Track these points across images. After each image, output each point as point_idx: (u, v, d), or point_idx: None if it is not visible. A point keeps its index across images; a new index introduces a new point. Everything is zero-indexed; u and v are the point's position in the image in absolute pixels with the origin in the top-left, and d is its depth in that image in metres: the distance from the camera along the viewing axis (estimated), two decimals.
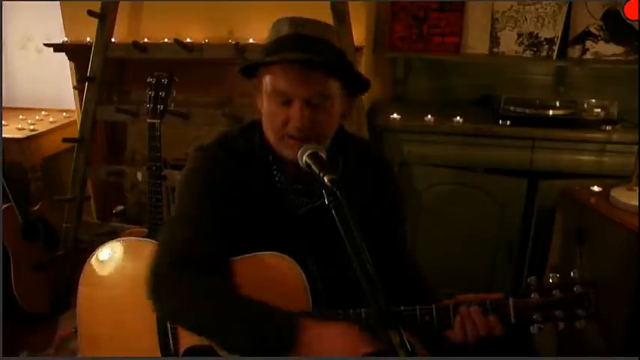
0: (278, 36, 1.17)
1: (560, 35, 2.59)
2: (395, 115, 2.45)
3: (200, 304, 1.11)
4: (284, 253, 1.19)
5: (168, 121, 2.00)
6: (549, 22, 2.60)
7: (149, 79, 1.89)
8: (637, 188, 1.95)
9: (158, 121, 1.88)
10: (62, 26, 2.80)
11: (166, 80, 1.88)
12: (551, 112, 2.40)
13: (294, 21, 1.17)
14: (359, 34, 2.41)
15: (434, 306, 1.12)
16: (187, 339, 1.24)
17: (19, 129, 2.85)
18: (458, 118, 2.40)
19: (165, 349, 1.26)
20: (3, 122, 2.76)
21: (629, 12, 2.10)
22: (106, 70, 2.53)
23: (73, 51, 2.77)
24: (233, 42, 2.41)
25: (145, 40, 2.60)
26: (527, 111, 2.42)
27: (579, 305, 1.10)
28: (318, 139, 1.15)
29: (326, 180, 1.00)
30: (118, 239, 1.40)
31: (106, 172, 2.59)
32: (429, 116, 2.42)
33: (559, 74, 2.73)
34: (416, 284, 1.32)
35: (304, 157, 1.09)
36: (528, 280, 1.13)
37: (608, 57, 2.57)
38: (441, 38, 2.64)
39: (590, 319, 1.11)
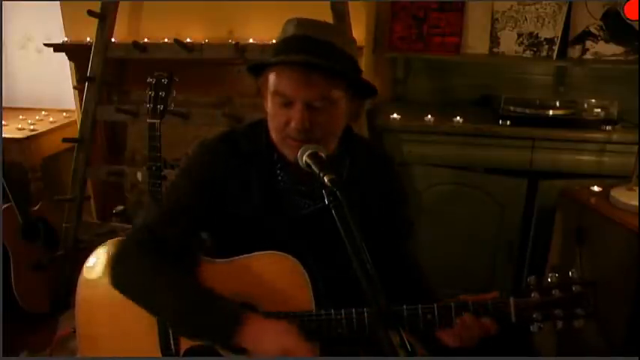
0: (285, 36, 1.17)
1: (560, 35, 2.59)
2: (395, 115, 2.45)
3: (150, 280, 1.17)
4: (286, 253, 1.19)
5: (169, 121, 2.00)
6: (549, 22, 2.60)
7: (149, 79, 1.90)
8: (637, 188, 1.95)
9: (158, 121, 1.88)
10: (62, 26, 2.81)
11: (166, 80, 1.89)
12: (551, 112, 2.40)
13: (301, 22, 1.16)
14: (359, 34, 2.41)
15: (436, 305, 1.13)
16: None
17: (19, 129, 2.86)
18: (458, 118, 2.41)
19: (165, 349, 1.26)
20: (3, 122, 2.76)
21: (629, 12, 2.10)
22: (106, 70, 2.53)
23: (73, 51, 2.77)
24: (233, 42, 2.41)
25: (145, 40, 2.60)
26: (527, 111, 2.42)
27: (578, 305, 1.11)
28: (320, 141, 1.15)
29: (326, 180, 1.01)
30: (118, 239, 1.39)
31: (106, 172, 2.59)
32: (429, 116, 2.42)
33: (559, 74, 2.72)
34: (418, 285, 1.32)
35: (304, 157, 1.10)
36: (528, 279, 1.14)
37: (608, 57, 2.57)
38: (441, 38, 2.64)
39: (588, 319, 1.11)
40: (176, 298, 1.15)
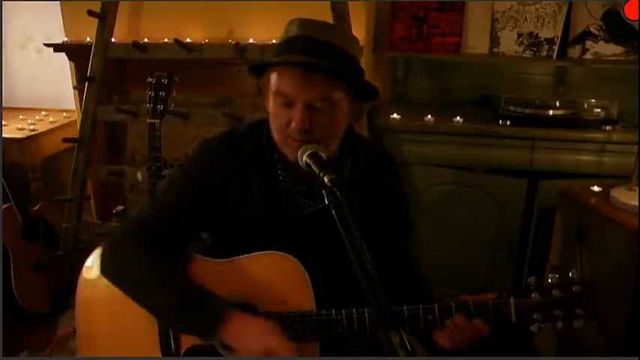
0: (287, 37, 1.17)
1: (560, 35, 2.59)
2: (395, 115, 2.45)
3: (142, 273, 1.19)
4: (286, 253, 1.19)
5: (168, 121, 2.00)
6: (549, 22, 2.60)
7: (149, 79, 1.90)
8: (637, 188, 1.95)
9: (158, 121, 1.88)
10: (62, 26, 2.81)
11: (166, 80, 1.89)
12: (551, 112, 2.40)
13: (303, 23, 1.16)
14: (359, 34, 2.41)
15: (436, 305, 1.13)
16: (189, 339, 1.24)
17: (19, 129, 2.85)
18: (458, 118, 2.41)
19: (165, 348, 1.25)
20: (3, 122, 2.76)
21: (629, 12, 2.10)
22: (106, 70, 2.53)
23: (73, 51, 2.77)
24: (233, 42, 2.40)
25: (145, 40, 2.60)
26: (527, 111, 2.42)
27: (578, 305, 1.11)
28: (321, 142, 1.15)
29: (326, 180, 1.01)
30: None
31: (106, 172, 2.59)
32: (429, 116, 2.42)
33: (559, 74, 2.72)
34: (418, 285, 1.32)
35: (304, 157, 1.10)
36: (528, 280, 1.14)
37: (608, 57, 2.57)
38: (441, 38, 2.64)
39: (588, 319, 1.11)
40: (164, 292, 1.16)
